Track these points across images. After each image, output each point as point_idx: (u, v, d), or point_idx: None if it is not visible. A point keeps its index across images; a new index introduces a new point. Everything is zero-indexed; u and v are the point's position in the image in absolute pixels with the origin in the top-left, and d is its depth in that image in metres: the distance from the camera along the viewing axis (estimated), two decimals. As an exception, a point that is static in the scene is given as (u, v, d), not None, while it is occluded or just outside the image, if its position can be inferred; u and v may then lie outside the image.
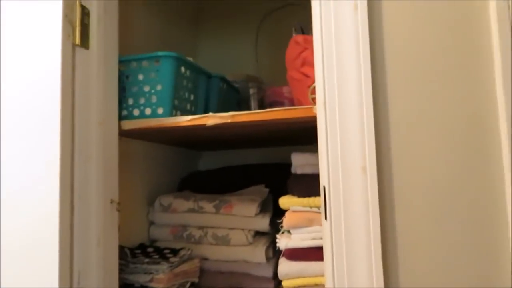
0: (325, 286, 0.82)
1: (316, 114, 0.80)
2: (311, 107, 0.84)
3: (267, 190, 1.20)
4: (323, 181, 0.69)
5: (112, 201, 0.88)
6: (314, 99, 0.86)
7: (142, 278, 0.95)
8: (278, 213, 1.09)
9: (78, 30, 0.81)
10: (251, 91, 1.25)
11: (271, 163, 1.41)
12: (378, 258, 0.64)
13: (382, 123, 0.68)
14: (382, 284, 0.64)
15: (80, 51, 0.82)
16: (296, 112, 0.84)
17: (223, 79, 1.18)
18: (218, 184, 1.32)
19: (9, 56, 0.79)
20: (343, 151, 0.67)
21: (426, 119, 0.68)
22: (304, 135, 1.10)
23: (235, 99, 1.31)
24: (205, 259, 1.11)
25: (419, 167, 0.67)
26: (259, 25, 1.64)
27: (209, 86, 1.13)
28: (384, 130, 0.68)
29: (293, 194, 0.97)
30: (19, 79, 0.78)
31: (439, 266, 0.65)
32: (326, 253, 0.68)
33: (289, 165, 1.32)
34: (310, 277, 0.92)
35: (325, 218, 0.68)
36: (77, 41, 0.81)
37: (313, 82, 0.88)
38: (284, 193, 1.03)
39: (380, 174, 0.67)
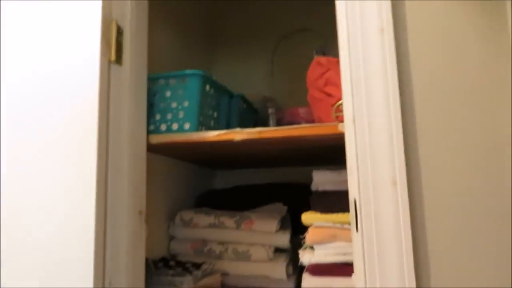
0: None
1: (341, 131, 0.83)
2: (336, 125, 0.86)
3: (285, 207, 1.22)
4: (353, 195, 0.71)
5: (140, 212, 0.90)
6: (338, 117, 0.90)
7: (166, 291, 0.96)
8: (295, 231, 1.11)
9: (113, 48, 0.85)
10: (270, 110, 1.28)
11: (285, 183, 1.43)
12: (410, 268, 0.65)
13: (411, 138, 0.71)
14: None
15: (114, 68, 0.85)
16: (322, 129, 0.86)
17: (243, 99, 1.22)
18: (234, 202, 1.33)
19: (50, 71, 0.82)
20: (373, 165, 0.69)
21: (453, 131, 0.71)
22: (321, 155, 1.12)
23: (253, 119, 1.34)
24: (226, 274, 1.11)
25: (447, 179, 0.69)
26: (275, 48, 1.68)
27: (230, 105, 1.16)
28: (412, 144, 0.70)
29: (316, 210, 0.98)
30: (60, 93, 0.81)
31: (468, 272, 0.66)
32: (357, 264, 0.69)
33: (302, 185, 1.35)
34: (334, 292, 0.93)
35: (356, 230, 0.69)
36: (113, 58, 0.84)
37: (337, 101, 0.92)
38: (299, 211, 1.05)
39: (410, 187, 0.68)
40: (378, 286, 0.67)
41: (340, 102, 0.86)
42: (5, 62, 0.85)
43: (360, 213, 0.69)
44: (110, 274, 0.79)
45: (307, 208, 1.00)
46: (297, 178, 1.41)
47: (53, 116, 0.81)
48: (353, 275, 0.88)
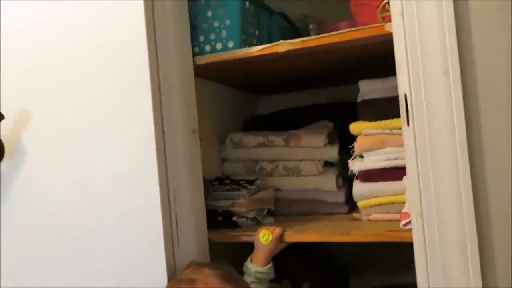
0: (406, 196, 0.85)
1: (387, 31, 0.81)
2: (382, 25, 0.84)
3: (331, 124, 1.22)
4: (404, 90, 0.70)
5: (194, 131, 0.94)
6: (384, 18, 0.86)
7: (224, 204, 1.02)
8: (342, 148, 1.13)
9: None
10: (311, 26, 1.24)
11: (329, 103, 1.42)
12: (464, 156, 0.65)
13: (464, 26, 0.68)
14: (470, 189, 0.66)
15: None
16: (368, 31, 0.84)
17: (284, 16, 1.19)
18: (280, 124, 1.35)
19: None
20: (423, 57, 0.68)
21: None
22: (365, 70, 1.09)
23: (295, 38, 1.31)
24: (278, 189, 1.16)
25: (501, 69, 0.67)
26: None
27: (271, 23, 1.15)
28: (466, 32, 0.67)
29: (364, 119, 0.99)
30: (108, 22, 0.84)
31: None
32: (410, 159, 0.70)
33: (346, 103, 1.34)
34: (385, 196, 0.95)
35: (408, 124, 0.70)
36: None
37: (381, 2, 0.88)
38: (345, 128, 1.05)
39: (464, 77, 0.67)
40: (431, 178, 0.68)
41: (386, 0, 0.82)
42: None
43: (411, 107, 0.68)
44: (173, 187, 0.86)
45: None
46: (340, 99, 1.41)
47: (104, 43, 0.85)
48: (404, 178, 0.90)
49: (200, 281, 0.76)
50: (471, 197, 0.66)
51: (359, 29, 0.85)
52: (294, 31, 1.30)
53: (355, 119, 1.02)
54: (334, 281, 1.28)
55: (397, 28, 0.70)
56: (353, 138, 1.02)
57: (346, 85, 1.40)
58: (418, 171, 0.69)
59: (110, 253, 0.85)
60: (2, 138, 0.90)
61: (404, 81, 0.69)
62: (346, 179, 1.15)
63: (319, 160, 1.13)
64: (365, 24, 0.96)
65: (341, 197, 1.12)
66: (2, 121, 0.87)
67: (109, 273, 0.85)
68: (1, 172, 0.92)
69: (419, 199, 0.68)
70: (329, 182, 1.12)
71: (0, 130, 0.89)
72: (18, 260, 0.92)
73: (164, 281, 0.81)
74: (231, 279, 0.77)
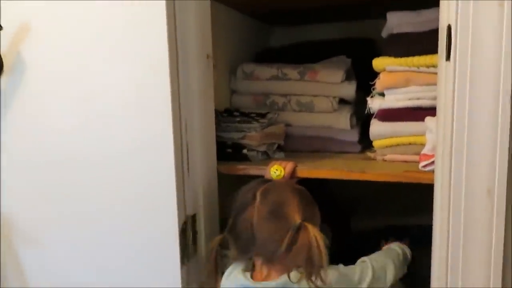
0: (426, 137, 0.82)
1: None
2: None
3: (349, 60, 1.16)
4: (448, 21, 0.64)
5: (208, 56, 0.88)
6: None
7: (235, 136, 0.98)
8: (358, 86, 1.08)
9: None
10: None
11: (347, 38, 1.34)
12: (507, 96, 0.61)
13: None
14: (507, 134, 0.62)
15: None
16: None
17: None
18: (295, 58, 1.28)
19: None
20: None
21: None
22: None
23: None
24: (289, 125, 1.12)
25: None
26: None
27: None
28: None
29: (389, 54, 0.92)
30: None
31: None
32: (444, 98, 0.65)
33: (366, 39, 1.26)
34: (404, 136, 0.92)
35: (447, 59, 0.64)
36: None
37: None
38: (362, 66, 0.99)
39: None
40: (466, 118, 0.64)
41: None
42: None
43: (455, 40, 0.62)
44: (185, 116, 0.81)
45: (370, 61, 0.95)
46: (356, 35, 1.33)
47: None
48: (427, 119, 0.86)
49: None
50: (507, 145, 0.62)
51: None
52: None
53: (372, 57, 0.96)
54: (336, 220, 1.29)
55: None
56: (369, 76, 0.97)
57: (360, 20, 1.32)
58: (453, 110, 0.65)
59: (118, 179, 0.83)
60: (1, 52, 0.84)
61: (451, 10, 0.63)
62: (359, 118, 1.11)
63: (334, 97, 1.08)
64: None
65: (354, 136, 1.09)
66: (2, 32, 0.80)
67: (117, 200, 0.83)
68: (1, 88, 0.86)
69: (451, 138, 0.65)
70: (343, 120, 1.08)
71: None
72: (18, 178, 0.89)
73: (174, 210, 0.79)
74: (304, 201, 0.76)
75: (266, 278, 0.75)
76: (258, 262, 0.76)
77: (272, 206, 0.73)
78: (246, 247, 0.75)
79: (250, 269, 0.78)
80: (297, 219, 0.71)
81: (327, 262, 0.68)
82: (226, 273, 0.80)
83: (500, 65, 0.61)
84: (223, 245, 0.78)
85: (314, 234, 0.68)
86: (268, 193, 0.75)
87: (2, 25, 0.80)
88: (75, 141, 0.84)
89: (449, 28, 0.64)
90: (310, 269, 0.68)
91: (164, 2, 0.74)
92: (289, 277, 0.70)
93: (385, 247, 0.90)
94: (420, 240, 0.87)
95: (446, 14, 0.64)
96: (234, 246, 0.77)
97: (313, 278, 0.67)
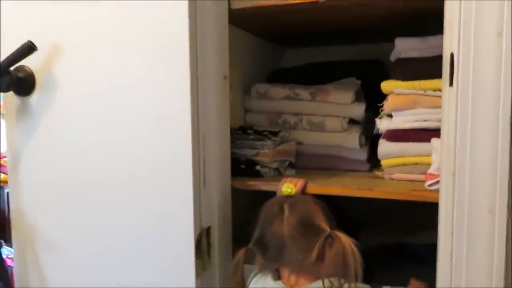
0: (432, 158, 0.86)
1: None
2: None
3: (359, 81, 1.21)
4: (450, 49, 0.68)
5: (225, 77, 0.93)
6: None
7: (248, 152, 1.03)
8: (367, 106, 1.12)
9: None
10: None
11: (358, 60, 1.39)
12: (506, 121, 0.65)
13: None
14: (508, 154, 0.66)
15: None
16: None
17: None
18: (306, 78, 1.33)
19: None
20: (477, 16, 0.66)
21: None
22: (399, 26, 1.05)
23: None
24: (300, 143, 1.17)
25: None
26: None
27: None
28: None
29: (397, 77, 0.97)
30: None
31: None
32: (448, 122, 0.70)
33: (376, 61, 1.31)
34: (410, 156, 0.95)
35: (450, 85, 0.69)
36: None
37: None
38: (372, 87, 1.04)
39: (516, 39, 0.65)
40: (468, 139, 0.68)
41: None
42: None
43: (458, 67, 0.67)
44: (203, 133, 0.86)
45: (379, 82, 1.00)
46: (368, 55, 1.38)
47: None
48: (433, 140, 0.90)
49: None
50: (507, 165, 0.66)
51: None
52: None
53: (381, 78, 1.01)
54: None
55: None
56: (378, 95, 1.01)
57: (379, 43, 1.37)
58: (456, 132, 0.69)
59: (139, 192, 0.87)
60: (33, 71, 0.90)
61: (454, 40, 0.67)
62: (368, 137, 1.15)
63: (344, 117, 1.13)
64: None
65: (363, 155, 1.13)
66: (35, 53, 0.87)
67: (136, 212, 0.88)
68: (32, 105, 0.92)
69: (453, 159, 0.68)
70: (352, 139, 1.12)
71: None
72: (44, 190, 0.94)
73: (190, 221, 0.84)
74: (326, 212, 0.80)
75: (294, 286, 0.78)
76: (286, 271, 0.80)
77: (301, 217, 0.78)
78: (275, 257, 0.79)
79: (277, 278, 0.81)
80: (326, 228, 0.74)
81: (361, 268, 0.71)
82: (251, 283, 0.83)
83: (500, 91, 0.65)
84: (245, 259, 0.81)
85: (348, 242, 0.71)
86: (295, 205, 0.80)
87: (36, 46, 0.87)
88: (98, 156, 0.89)
89: (451, 56, 0.68)
90: (347, 275, 0.70)
91: (187, 27, 0.80)
92: (323, 283, 0.72)
93: None
94: (426, 259, 0.90)
95: (449, 42, 0.69)
96: (261, 257, 0.80)
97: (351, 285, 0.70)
